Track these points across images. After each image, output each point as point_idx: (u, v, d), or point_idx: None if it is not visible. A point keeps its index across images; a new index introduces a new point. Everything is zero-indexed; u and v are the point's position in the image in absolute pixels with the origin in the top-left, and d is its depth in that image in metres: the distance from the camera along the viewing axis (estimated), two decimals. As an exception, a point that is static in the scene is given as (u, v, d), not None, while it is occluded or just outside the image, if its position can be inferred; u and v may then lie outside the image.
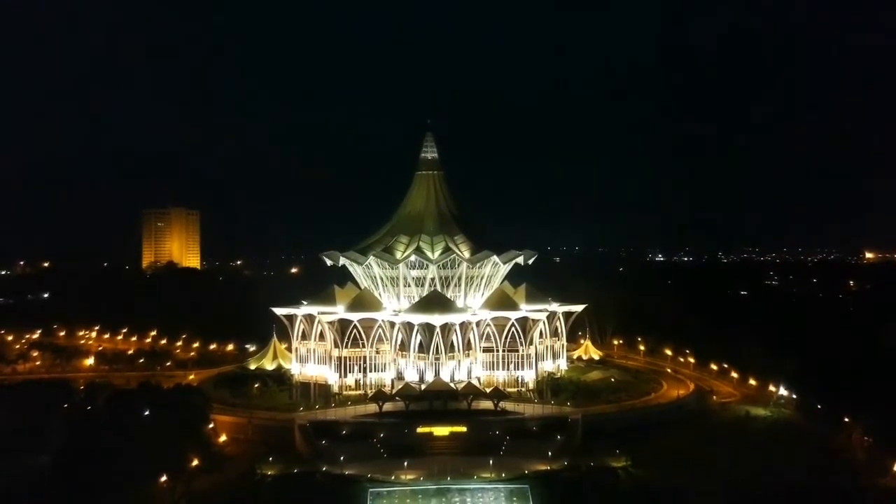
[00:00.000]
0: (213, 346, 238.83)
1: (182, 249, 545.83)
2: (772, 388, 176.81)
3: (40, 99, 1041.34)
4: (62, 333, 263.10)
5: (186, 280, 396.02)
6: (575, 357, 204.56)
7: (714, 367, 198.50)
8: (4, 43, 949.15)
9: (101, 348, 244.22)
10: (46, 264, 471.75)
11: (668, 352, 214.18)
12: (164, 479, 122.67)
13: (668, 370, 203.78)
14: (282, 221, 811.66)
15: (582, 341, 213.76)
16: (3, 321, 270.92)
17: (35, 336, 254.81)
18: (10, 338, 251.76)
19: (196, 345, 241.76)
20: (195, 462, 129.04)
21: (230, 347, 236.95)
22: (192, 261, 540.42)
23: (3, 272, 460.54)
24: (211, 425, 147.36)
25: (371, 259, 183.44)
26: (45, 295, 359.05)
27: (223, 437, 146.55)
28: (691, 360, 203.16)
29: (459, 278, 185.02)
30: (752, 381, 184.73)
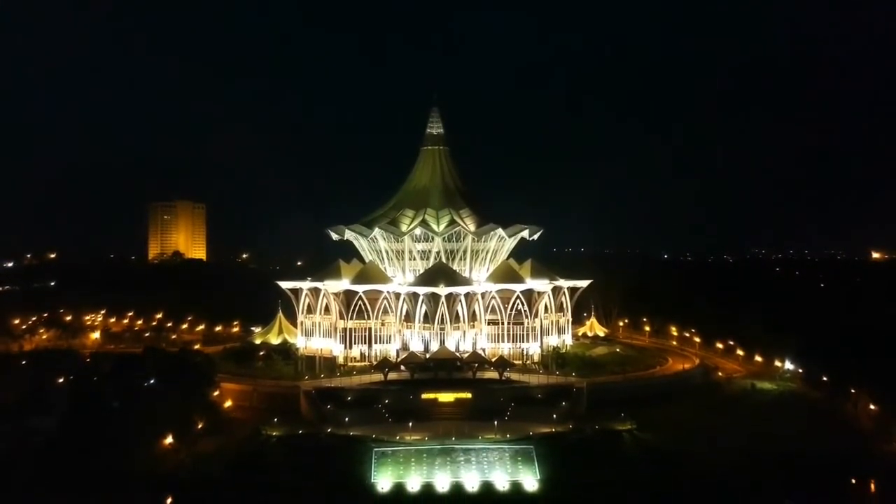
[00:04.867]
0: (218, 328, 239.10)
1: (188, 242, 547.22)
2: (777, 363, 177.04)
3: (46, 94, 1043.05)
4: (68, 318, 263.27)
5: (193, 269, 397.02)
6: (580, 334, 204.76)
7: (720, 345, 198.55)
8: (10, 38, 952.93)
9: (106, 328, 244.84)
10: (52, 255, 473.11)
11: (674, 331, 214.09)
12: (169, 440, 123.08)
13: (674, 343, 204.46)
14: (288, 215, 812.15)
15: (587, 321, 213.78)
16: (10, 305, 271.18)
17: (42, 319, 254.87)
18: (16, 321, 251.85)
19: (201, 327, 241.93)
20: (200, 424, 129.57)
21: (235, 329, 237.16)
22: (199, 253, 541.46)
23: (10, 263, 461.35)
24: (217, 392, 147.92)
25: (376, 232, 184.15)
26: (52, 283, 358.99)
27: (229, 403, 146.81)
28: (696, 339, 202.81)
29: (465, 252, 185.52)
30: (758, 358, 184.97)
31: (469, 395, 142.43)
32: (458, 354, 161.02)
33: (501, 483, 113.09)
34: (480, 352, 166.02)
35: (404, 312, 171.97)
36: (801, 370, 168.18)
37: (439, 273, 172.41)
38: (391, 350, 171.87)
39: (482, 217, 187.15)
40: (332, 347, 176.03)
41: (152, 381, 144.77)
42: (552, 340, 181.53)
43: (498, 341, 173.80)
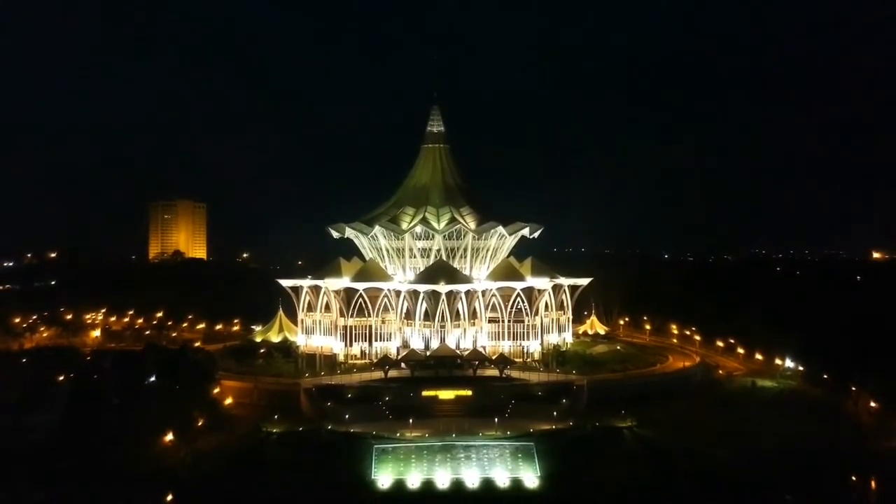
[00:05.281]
0: (219, 327, 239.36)
1: (189, 241, 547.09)
2: (778, 361, 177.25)
3: (47, 93, 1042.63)
4: (69, 317, 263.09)
5: (193, 269, 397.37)
6: (580, 332, 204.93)
7: (720, 343, 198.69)
8: (10, 35, 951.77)
9: (107, 327, 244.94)
10: (53, 255, 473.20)
11: (674, 329, 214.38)
12: (169, 437, 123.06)
13: (675, 341, 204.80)
14: (288, 214, 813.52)
15: (588, 320, 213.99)
16: (10, 304, 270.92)
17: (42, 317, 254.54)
18: (16, 319, 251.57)
19: (202, 325, 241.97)
20: (201, 421, 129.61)
21: (236, 327, 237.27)
22: (199, 252, 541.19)
23: (10, 263, 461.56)
24: (217, 390, 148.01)
25: (377, 229, 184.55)
26: (52, 282, 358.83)
27: (229, 400, 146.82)
28: (697, 337, 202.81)
29: (465, 250, 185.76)
30: (759, 356, 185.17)
31: (469, 393, 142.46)
32: (458, 352, 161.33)
33: (502, 480, 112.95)
34: (481, 349, 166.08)
35: (405, 310, 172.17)
36: (801, 368, 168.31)
37: (440, 271, 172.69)
38: (392, 348, 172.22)
39: (483, 215, 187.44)
40: (333, 345, 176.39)
41: (153, 379, 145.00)
42: (553, 338, 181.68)
43: (498, 339, 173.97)
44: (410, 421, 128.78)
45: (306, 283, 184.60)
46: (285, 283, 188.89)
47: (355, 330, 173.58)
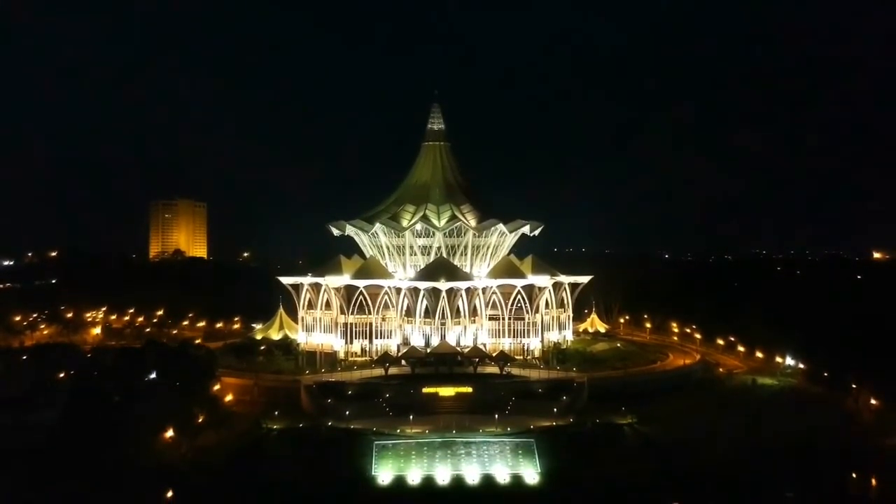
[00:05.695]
0: (219, 325, 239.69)
1: (189, 241, 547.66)
2: (778, 359, 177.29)
3: (48, 93, 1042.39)
4: (69, 315, 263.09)
5: (194, 267, 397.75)
6: (581, 330, 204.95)
7: (720, 341, 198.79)
8: (10, 37, 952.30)
9: (107, 325, 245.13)
10: (54, 254, 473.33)
11: (675, 327, 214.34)
12: (170, 433, 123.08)
13: (675, 339, 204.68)
14: (288, 213, 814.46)
15: (588, 318, 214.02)
16: (11, 302, 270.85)
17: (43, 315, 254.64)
18: (17, 317, 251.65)
19: (202, 324, 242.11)
20: (201, 418, 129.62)
21: (236, 325, 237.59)
22: (199, 251, 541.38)
23: (10, 262, 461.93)
24: (217, 386, 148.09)
25: (377, 227, 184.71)
26: (53, 281, 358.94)
27: (230, 397, 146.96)
28: (697, 335, 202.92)
29: (465, 247, 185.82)
30: (759, 354, 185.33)
31: (470, 390, 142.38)
32: (458, 349, 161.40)
33: (502, 476, 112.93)
34: (481, 347, 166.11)
35: (405, 307, 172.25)
36: (802, 366, 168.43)
37: (440, 268, 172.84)
38: (392, 345, 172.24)
39: (483, 212, 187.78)
40: (333, 342, 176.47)
41: (153, 376, 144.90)
42: (553, 336, 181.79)
43: (499, 336, 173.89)
44: (411, 417, 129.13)
45: (307, 280, 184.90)
46: (286, 280, 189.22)
47: (356, 327, 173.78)
